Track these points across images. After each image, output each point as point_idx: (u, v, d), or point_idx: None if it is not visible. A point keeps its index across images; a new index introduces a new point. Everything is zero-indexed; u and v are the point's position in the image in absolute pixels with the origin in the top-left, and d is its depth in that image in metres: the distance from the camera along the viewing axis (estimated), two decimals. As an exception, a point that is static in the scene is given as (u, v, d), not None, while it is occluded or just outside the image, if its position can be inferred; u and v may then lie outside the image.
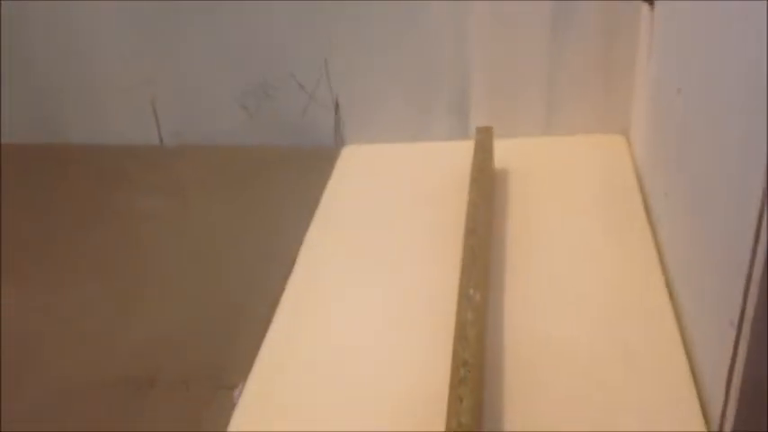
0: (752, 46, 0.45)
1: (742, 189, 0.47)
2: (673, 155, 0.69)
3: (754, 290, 0.45)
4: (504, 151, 0.87)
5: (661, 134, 0.75)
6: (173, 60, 0.97)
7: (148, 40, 0.96)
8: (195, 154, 0.99)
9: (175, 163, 0.98)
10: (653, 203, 0.76)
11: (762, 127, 0.43)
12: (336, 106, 0.98)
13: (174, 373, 0.64)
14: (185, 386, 0.62)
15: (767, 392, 0.47)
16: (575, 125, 0.92)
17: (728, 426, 0.50)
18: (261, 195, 0.91)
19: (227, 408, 0.58)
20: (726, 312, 0.49)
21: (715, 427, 0.52)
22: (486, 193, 0.76)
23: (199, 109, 0.99)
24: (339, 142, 0.99)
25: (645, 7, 0.79)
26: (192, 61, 0.97)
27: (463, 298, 0.60)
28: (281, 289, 0.72)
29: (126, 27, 0.96)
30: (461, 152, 0.86)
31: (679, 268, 0.64)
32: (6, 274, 0.77)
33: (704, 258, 0.57)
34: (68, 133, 1.02)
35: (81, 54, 0.98)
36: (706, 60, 0.58)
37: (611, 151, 0.89)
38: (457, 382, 0.52)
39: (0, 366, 0.64)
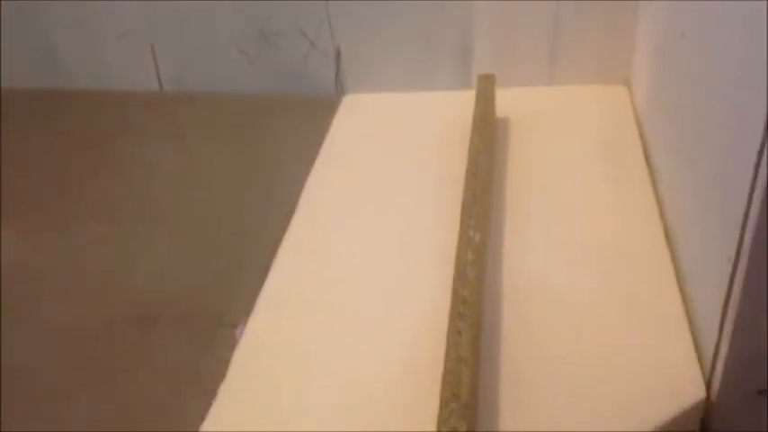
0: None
1: (741, 130, 0.47)
2: (674, 101, 0.69)
3: (751, 223, 0.46)
4: (506, 100, 0.87)
5: (663, 81, 0.74)
6: (172, 4, 0.96)
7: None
8: (195, 100, 0.99)
9: (175, 108, 0.98)
10: (653, 152, 0.76)
11: (762, 74, 0.43)
12: (338, 54, 0.97)
13: (177, 311, 0.65)
14: (188, 324, 0.63)
15: (759, 329, 0.48)
16: (577, 75, 0.92)
17: (720, 364, 0.51)
18: (261, 142, 0.90)
19: (229, 346, 0.59)
20: (723, 250, 0.49)
21: (707, 365, 0.53)
22: (487, 140, 0.76)
23: (198, 55, 0.99)
24: (340, 91, 0.98)
25: (651, -47, 0.78)
26: (192, 5, 0.95)
27: (463, 239, 0.61)
28: (282, 232, 0.72)
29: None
30: (463, 102, 0.86)
31: (678, 214, 0.65)
32: (7, 217, 0.78)
33: (703, 202, 0.57)
34: (67, 78, 1.01)
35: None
36: (709, 4, 0.57)
37: (613, 101, 0.89)
38: (456, 318, 0.53)
39: (0, 306, 0.65)
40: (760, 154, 0.44)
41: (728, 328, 0.49)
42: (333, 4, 0.93)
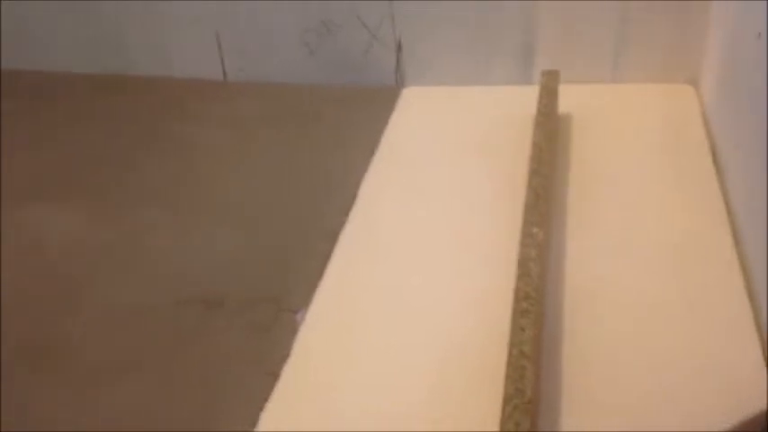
0: None
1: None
2: (746, 103, 0.68)
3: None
4: (570, 97, 0.85)
5: (735, 82, 0.73)
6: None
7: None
8: (258, 90, 1.00)
9: (238, 98, 1.00)
10: (722, 154, 0.74)
11: None
12: (399, 46, 0.97)
13: (240, 295, 0.66)
14: (250, 308, 0.64)
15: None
16: (643, 73, 0.90)
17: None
18: (322, 132, 0.91)
19: (290, 329, 0.60)
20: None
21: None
22: (550, 136, 0.75)
23: (262, 45, 1.00)
24: (400, 83, 0.98)
25: (727, -50, 0.76)
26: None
27: (526, 235, 0.61)
28: (341, 223, 0.73)
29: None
30: (525, 97, 0.85)
31: (747, 216, 0.63)
32: (74, 199, 0.80)
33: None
34: (132, 64, 1.03)
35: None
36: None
37: (680, 101, 0.87)
38: (519, 314, 0.53)
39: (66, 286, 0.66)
40: None
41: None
42: (396, -2, 0.94)
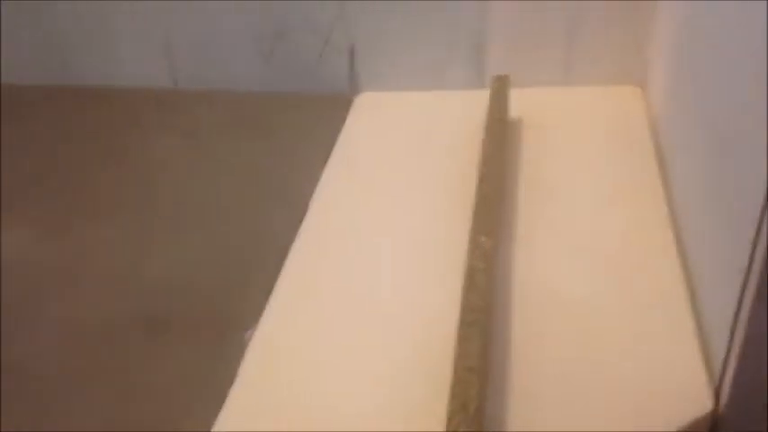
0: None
1: (757, 140, 0.47)
2: (689, 106, 0.69)
3: (763, 234, 0.45)
4: (521, 100, 0.86)
5: (678, 85, 0.74)
6: (185, 2, 0.96)
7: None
8: (209, 98, 0.99)
9: (189, 107, 0.98)
10: (667, 157, 0.75)
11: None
12: (352, 52, 0.97)
13: (187, 314, 0.65)
14: (197, 327, 0.64)
15: (770, 342, 0.48)
16: (592, 76, 0.91)
17: (729, 374, 0.51)
18: (275, 140, 0.91)
19: (239, 349, 0.60)
20: (734, 261, 0.49)
21: (716, 376, 0.53)
22: (499, 142, 0.76)
23: (213, 52, 0.99)
24: (354, 89, 0.98)
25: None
26: (206, 3, 0.96)
27: (474, 245, 0.61)
28: (294, 233, 0.73)
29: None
30: (477, 101, 0.86)
31: (689, 221, 0.64)
32: (14, 215, 0.79)
33: (715, 208, 0.57)
34: (78, 74, 1.01)
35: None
36: (731, 9, 0.57)
37: (627, 103, 0.88)
38: (466, 326, 0.53)
39: (1, 306, 0.65)
40: (774, 168, 0.44)
41: (738, 340, 0.49)
42: (347, 3, 0.93)
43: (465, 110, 0.89)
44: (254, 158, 0.88)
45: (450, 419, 0.46)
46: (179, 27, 0.98)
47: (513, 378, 0.55)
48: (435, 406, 0.49)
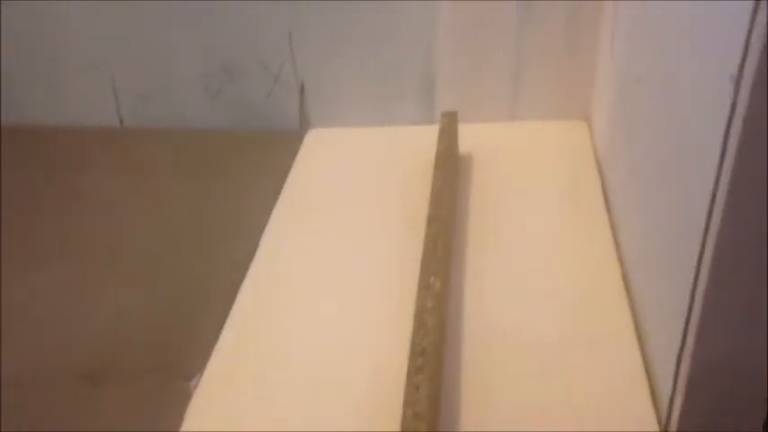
0: (716, 39, 0.45)
1: (693, 182, 0.48)
2: (630, 144, 0.70)
3: (702, 280, 0.46)
4: (470, 136, 0.87)
5: (620, 122, 0.75)
6: (132, 40, 0.95)
7: (106, 18, 0.94)
8: (156, 136, 0.97)
9: (136, 145, 0.97)
10: (611, 192, 0.77)
11: (716, 121, 0.44)
12: (302, 89, 0.97)
13: (131, 362, 0.63)
14: (141, 377, 0.61)
15: (713, 380, 0.48)
16: (539, 111, 0.93)
17: (676, 412, 0.51)
18: (223, 180, 0.90)
19: (183, 398, 0.58)
20: (676, 303, 0.50)
21: (663, 413, 0.53)
22: (449, 180, 0.76)
23: (160, 90, 0.98)
24: (304, 126, 0.98)
25: (609, -5, 0.80)
26: (153, 41, 0.95)
27: (423, 286, 0.61)
28: (243, 275, 0.71)
29: (84, 4, 0.93)
30: (427, 136, 0.86)
31: (634, 258, 0.65)
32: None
33: (657, 249, 0.58)
34: (26, 114, 0.99)
35: (37, 33, 0.95)
36: (666, 48, 0.58)
37: (574, 138, 0.90)
38: (414, 371, 0.52)
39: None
40: (710, 212, 0.45)
41: (683, 381, 0.49)
42: (296, 40, 0.93)
43: (415, 145, 0.89)
44: (203, 198, 0.87)
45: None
46: (125, 64, 0.96)
47: (464, 419, 0.54)
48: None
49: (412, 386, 0.51)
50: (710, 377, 0.48)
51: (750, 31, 0.40)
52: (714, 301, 0.46)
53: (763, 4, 0.39)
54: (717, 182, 0.44)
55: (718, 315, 0.46)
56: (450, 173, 0.78)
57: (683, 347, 0.49)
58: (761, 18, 0.39)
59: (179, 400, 0.58)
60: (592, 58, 0.88)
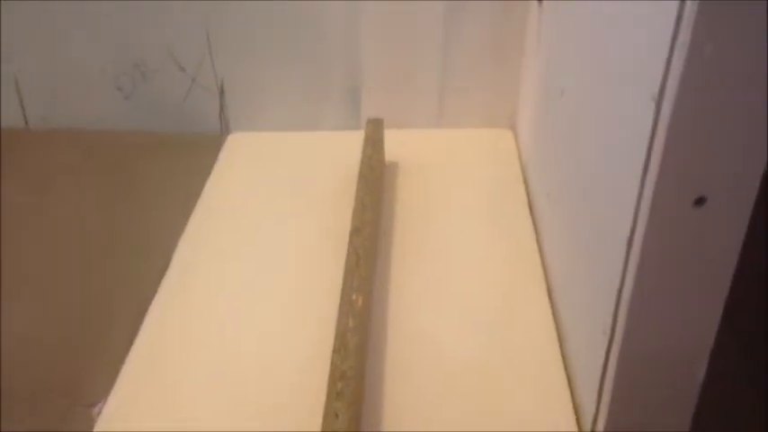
0: (638, 52, 0.45)
1: (615, 198, 0.47)
2: (555, 155, 0.70)
3: (625, 298, 0.46)
4: (395, 143, 0.85)
5: (544, 133, 0.75)
6: (36, 36, 0.88)
7: (6, 11, 0.87)
8: (64, 138, 0.91)
9: (41, 148, 0.90)
10: (536, 203, 0.76)
11: (637, 139, 0.43)
12: (221, 90, 0.92)
13: (26, 386, 0.58)
14: (40, 402, 0.57)
15: (635, 405, 0.48)
16: (465, 118, 0.92)
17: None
18: (136, 185, 0.85)
19: (86, 426, 0.54)
20: (599, 321, 0.49)
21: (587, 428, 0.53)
22: (373, 191, 0.74)
23: (68, 90, 0.92)
24: (224, 129, 0.94)
25: (534, 4, 0.79)
26: (59, 37, 0.88)
27: (345, 302, 0.58)
28: (153, 291, 0.67)
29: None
30: (352, 142, 0.84)
31: (558, 274, 0.65)
32: None
33: (580, 266, 0.57)
34: None
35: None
36: (589, 63, 0.58)
37: (499, 146, 0.89)
38: (333, 397, 0.50)
39: None
40: (632, 230, 0.44)
41: (606, 400, 0.49)
42: (214, 39, 0.89)
43: (339, 151, 0.87)
44: (113, 205, 0.82)
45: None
46: (27, 62, 0.90)
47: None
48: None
49: (331, 413, 0.49)
50: (635, 401, 0.48)
51: (671, 51, 0.40)
52: (637, 317, 0.45)
53: (684, 24, 0.38)
54: (639, 198, 0.43)
55: (640, 332, 0.46)
56: (375, 182, 0.76)
57: (605, 366, 0.48)
58: (682, 38, 0.39)
59: (81, 427, 0.53)
60: (518, 67, 0.87)
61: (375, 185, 0.75)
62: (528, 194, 0.79)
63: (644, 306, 0.45)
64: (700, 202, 0.42)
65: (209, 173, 0.86)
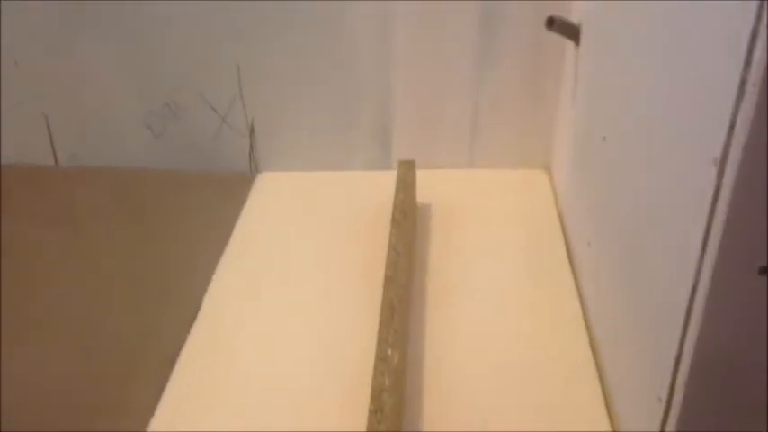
0: (697, 109, 0.43)
1: (672, 252, 0.45)
2: (597, 202, 0.68)
3: (685, 364, 0.43)
4: (427, 183, 0.84)
5: (585, 180, 0.73)
6: (69, 74, 0.88)
7: (42, 50, 0.87)
8: (94, 177, 0.91)
9: (71, 187, 0.90)
10: (576, 250, 0.74)
11: (696, 203, 0.41)
12: (252, 130, 0.92)
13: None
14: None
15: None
16: (498, 158, 0.90)
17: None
18: (166, 225, 0.84)
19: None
20: (654, 387, 0.47)
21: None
22: (406, 236, 0.72)
23: (99, 129, 0.91)
24: (254, 169, 0.93)
25: (570, 45, 0.78)
26: (91, 76, 0.88)
27: (380, 359, 0.56)
28: (185, 335, 0.66)
29: (16, 35, 0.87)
30: (383, 182, 0.83)
31: (605, 327, 0.62)
32: None
33: (632, 323, 0.55)
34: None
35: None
36: (632, 111, 0.56)
37: (534, 187, 0.87)
38: (372, 463, 0.48)
39: None
40: (694, 289, 0.42)
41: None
42: (245, 79, 0.88)
43: (370, 192, 0.85)
44: (143, 245, 0.80)
45: None
46: (58, 101, 0.90)
47: None
48: None
49: (369, 481, 0.46)
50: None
51: (736, 111, 0.38)
52: (697, 390, 0.43)
53: (750, 81, 0.36)
54: (699, 264, 0.41)
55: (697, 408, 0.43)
56: (408, 228, 0.74)
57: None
58: (750, 95, 0.37)
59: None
60: (552, 108, 0.86)
61: (408, 231, 0.74)
62: (566, 241, 0.77)
63: (702, 378, 0.43)
64: (764, 271, 0.39)
65: (239, 213, 0.85)
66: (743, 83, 0.37)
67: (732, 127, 0.38)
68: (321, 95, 0.89)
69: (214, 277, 0.74)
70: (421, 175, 0.84)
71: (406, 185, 0.80)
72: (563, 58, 0.81)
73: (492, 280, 0.71)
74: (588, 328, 0.65)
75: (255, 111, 0.90)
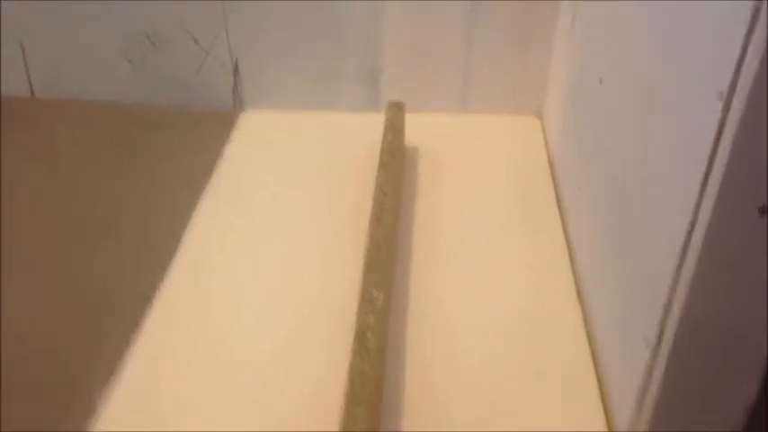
0: (703, 42, 0.41)
1: (670, 192, 0.43)
2: (590, 146, 0.66)
3: (676, 307, 0.42)
4: (417, 127, 0.81)
5: (579, 124, 0.71)
6: (45, 2, 0.84)
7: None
8: (70, 109, 0.87)
9: (47, 119, 0.87)
10: (565, 195, 0.73)
11: (698, 140, 0.39)
12: (236, 67, 0.88)
13: (25, 377, 0.55)
14: (40, 392, 0.53)
15: (681, 418, 0.44)
16: (489, 104, 0.88)
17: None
18: (144, 161, 0.81)
19: (86, 417, 0.51)
20: (640, 329, 0.46)
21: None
22: (394, 178, 0.70)
23: (75, 59, 0.87)
24: (238, 107, 0.90)
25: (569, -15, 0.75)
26: (68, 3, 0.84)
27: (365, 299, 0.55)
28: (160, 279, 0.64)
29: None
30: (371, 125, 0.80)
31: (590, 272, 0.61)
32: None
33: (619, 267, 0.53)
34: None
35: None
36: (633, 47, 0.54)
37: (525, 134, 0.85)
38: (353, 400, 0.47)
39: None
40: (688, 236, 0.41)
41: (647, 414, 0.45)
42: (231, 11, 0.85)
43: (357, 134, 0.83)
44: (120, 182, 0.78)
45: None
46: (35, 31, 0.86)
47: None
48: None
49: (350, 417, 0.45)
50: (681, 415, 0.44)
51: (746, 45, 0.36)
52: (689, 327, 0.42)
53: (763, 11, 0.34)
54: (698, 203, 0.40)
55: (690, 344, 0.42)
56: (396, 170, 0.72)
57: (648, 380, 0.45)
58: (760, 31, 0.35)
59: (81, 419, 0.50)
60: (546, 54, 0.83)
61: (396, 173, 0.72)
62: (555, 186, 0.75)
63: (696, 315, 0.42)
64: (765, 210, 0.38)
65: (221, 152, 0.82)
66: (756, 9, 0.35)
67: (742, 57, 0.36)
68: (309, 33, 0.86)
69: (192, 218, 0.72)
70: (410, 119, 0.81)
71: (394, 127, 0.78)
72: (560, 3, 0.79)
73: (479, 224, 0.70)
74: (575, 272, 0.64)
75: (240, 47, 0.87)
